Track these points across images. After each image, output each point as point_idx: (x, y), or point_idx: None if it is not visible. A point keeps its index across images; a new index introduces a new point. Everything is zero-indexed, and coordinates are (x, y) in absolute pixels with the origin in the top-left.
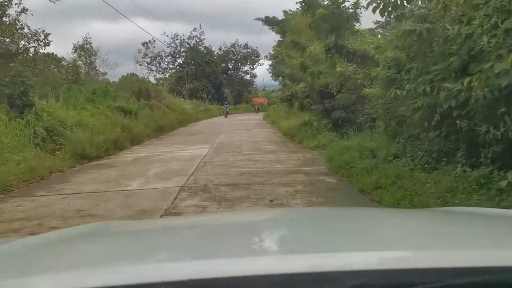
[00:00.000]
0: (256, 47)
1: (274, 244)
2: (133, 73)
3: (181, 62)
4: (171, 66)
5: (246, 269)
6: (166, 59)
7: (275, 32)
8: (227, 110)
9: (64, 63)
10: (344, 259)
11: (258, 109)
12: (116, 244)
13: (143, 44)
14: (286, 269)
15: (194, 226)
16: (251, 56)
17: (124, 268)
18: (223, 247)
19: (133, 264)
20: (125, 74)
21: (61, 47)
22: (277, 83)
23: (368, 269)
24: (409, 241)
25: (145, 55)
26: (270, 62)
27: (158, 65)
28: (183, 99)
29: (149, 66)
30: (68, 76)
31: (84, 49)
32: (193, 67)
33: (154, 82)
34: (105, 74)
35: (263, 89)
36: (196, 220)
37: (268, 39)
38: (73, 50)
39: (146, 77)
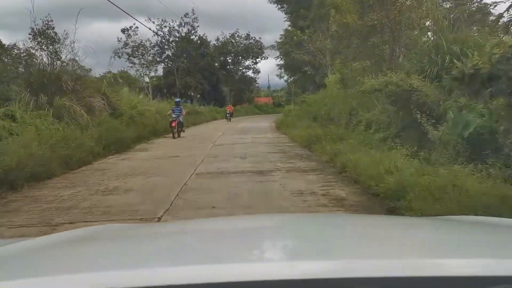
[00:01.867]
0: (260, 38)
1: (280, 249)
2: (125, 70)
3: (170, 54)
4: (158, 59)
5: (251, 274)
6: (151, 50)
7: (285, 13)
8: (180, 119)
9: (15, 51)
10: (352, 266)
11: (231, 114)
12: (119, 247)
13: (123, 30)
14: (292, 275)
15: (198, 230)
16: (254, 48)
17: (127, 272)
18: (228, 252)
19: (136, 267)
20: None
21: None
22: (282, 81)
23: (376, 276)
24: (418, 249)
25: (126, 44)
26: (275, 58)
27: (141, 57)
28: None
29: (130, 58)
30: (19, 67)
31: (45, 35)
32: (185, 60)
33: (147, 80)
34: (89, 70)
35: (268, 87)
36: (200, 224)
37: (269, 38)
38: (31, 36)
39: (139, 75)
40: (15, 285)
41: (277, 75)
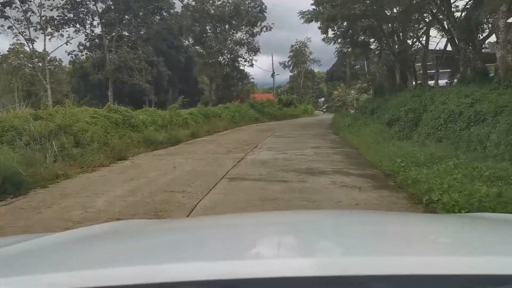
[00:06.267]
0: None
1: (296, 246)
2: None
3: (97, 9)
4: (69, 15)
5: (267, 271)
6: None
7: None
8: None
9: None
10: (368, 263)
11: None
12: (139, 243)
13: None
14: (308, 272)
15: (214, 226)
16: (250, 11)
17: (147, 267)
18: (246, 248)
19: (156, 263)
20: None
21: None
22: (287, 72)
23: (392, 274)
24: (437, 247)
25: None
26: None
27: (25, 15)
28: None
29: (2, 10)
30: None
31: None
32: (124, 21)
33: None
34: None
35: (272, 75)
36: (216, 221)
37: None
38: None
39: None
40: (37, 280)
41: (281, 63)
